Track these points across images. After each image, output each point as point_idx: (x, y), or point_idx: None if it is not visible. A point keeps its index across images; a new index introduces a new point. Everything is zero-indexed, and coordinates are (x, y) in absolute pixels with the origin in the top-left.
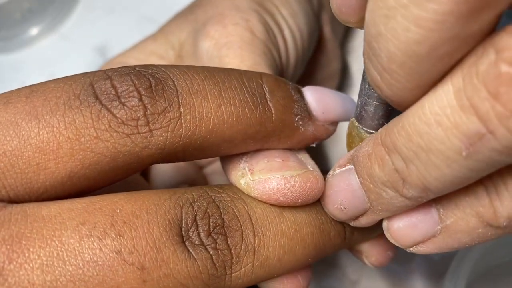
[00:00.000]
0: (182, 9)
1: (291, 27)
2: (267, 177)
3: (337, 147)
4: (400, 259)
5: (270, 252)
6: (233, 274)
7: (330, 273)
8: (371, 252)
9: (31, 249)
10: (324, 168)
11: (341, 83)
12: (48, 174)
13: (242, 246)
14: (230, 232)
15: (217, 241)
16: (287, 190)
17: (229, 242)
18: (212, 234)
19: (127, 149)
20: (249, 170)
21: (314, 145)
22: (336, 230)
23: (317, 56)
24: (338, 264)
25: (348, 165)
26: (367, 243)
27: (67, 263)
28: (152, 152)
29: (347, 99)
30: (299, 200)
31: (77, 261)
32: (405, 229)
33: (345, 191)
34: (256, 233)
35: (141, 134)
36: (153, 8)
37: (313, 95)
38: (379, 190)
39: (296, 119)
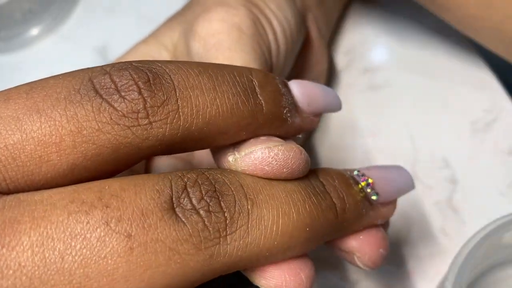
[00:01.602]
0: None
1: (279, 18)
2: (252, 149)
3: (325, 140)
4: (400, 260)
5: (264, 214)
6: (228, 236)
7: (330, 274)
8: (363, 250)
9: (22, 232)
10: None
11: (327, 81)
12: (50, 166)
13: (236, 207)
14: (222, 196)
15: (210, 203)
16: (271, 158)
17: (222, 204)
18: (205, 198)
19: (128, 140)
20: (237, 150)
21: (300, 136)
22: (327, 203)
23: (305, 56)
24: (338, 265)
25: None
26: (357, 242)
27: (56, 240)
28: (151, 143)
29: (330, 92)
30: (284, 170)
31: (65, 237)
32: None
33: None
34: (248, 196)
35: (141, 126)
36: (153, 8)
37: (298, 89)
38: None
39: (285, 111)
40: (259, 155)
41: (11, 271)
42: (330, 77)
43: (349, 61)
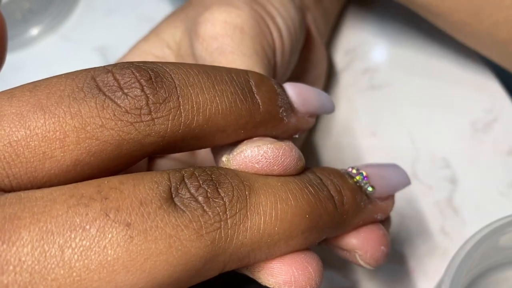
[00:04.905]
0: None
1: (283, 15)
2: (243, 149)
3: (325, 140)
4: (400, 260)
5: (262, 200)
6: (229, 220)
7: (330, 274)
8: (364, 248)
9: (22, 227)
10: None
11: (326, 82)
12: (54, 162)
13: (234, 192)
14: (219, 184)
15: (208, 190)
16: (261, 156)
17: (220, 191)
18: (203, 186)
19: (131, 136)
20: (230, 150)
21: (296, 136)
22: (325, 194)
23: (305, 57)
24: (338, 265)
25: None
26: (358, 239)
27: (56, 233)
28: (154, 139)
29: (323, 94)
30: (275, 167)
31: (65, 230)
32: None
33: None
34: (244, 183)
35: (144, 122)
36: (153, 8)
37: (293, 90)
38: None
39: (281, 110)
40: (248, 154)
41: (11, 267)
42: (330, 77)
43: (349, 61)
